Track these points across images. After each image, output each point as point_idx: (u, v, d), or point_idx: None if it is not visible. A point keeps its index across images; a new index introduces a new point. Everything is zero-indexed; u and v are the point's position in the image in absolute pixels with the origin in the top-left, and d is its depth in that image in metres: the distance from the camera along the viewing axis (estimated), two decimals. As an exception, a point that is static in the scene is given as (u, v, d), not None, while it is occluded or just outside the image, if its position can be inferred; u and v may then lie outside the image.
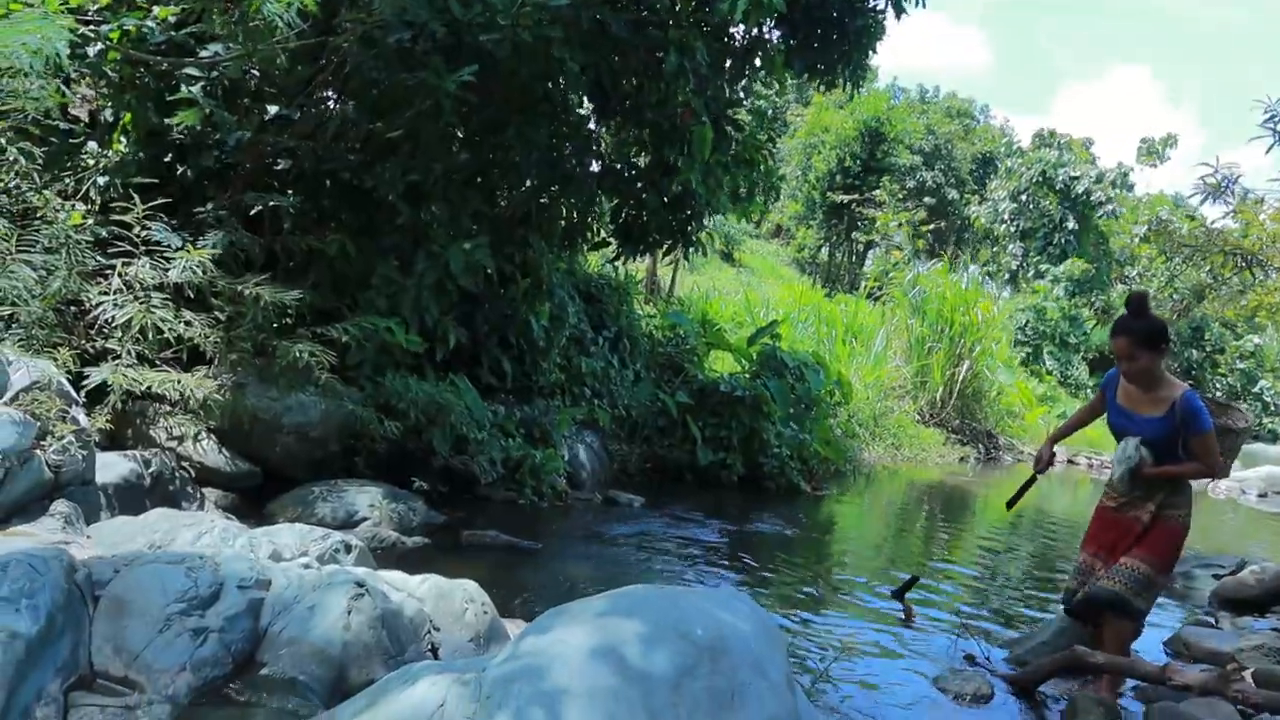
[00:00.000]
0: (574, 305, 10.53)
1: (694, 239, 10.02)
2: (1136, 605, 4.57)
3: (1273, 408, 36.55)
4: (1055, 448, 5.18)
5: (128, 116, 7.21)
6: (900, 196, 33.56)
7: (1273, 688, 4.57)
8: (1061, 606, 5.07)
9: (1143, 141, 38.02)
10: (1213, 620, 6.83)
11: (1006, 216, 34.61)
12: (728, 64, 9.31)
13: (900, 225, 29.72)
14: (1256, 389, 36.11)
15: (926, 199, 36.02)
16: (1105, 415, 4.78)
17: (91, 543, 4.38)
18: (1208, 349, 34.45)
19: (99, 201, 6.93)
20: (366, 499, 6.64)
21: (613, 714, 2.42)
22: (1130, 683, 5.06)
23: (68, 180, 6.96)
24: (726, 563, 7.21)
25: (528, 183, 9.05)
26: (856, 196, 33.82)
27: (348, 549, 5.23)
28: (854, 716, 4.39)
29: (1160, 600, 7.45)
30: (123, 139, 7.26)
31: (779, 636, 3.07)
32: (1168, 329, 4.41)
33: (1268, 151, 7.74)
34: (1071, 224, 33.45)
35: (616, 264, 11.35)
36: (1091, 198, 33.51)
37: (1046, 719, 4.62)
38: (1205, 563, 8.41)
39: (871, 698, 4.65)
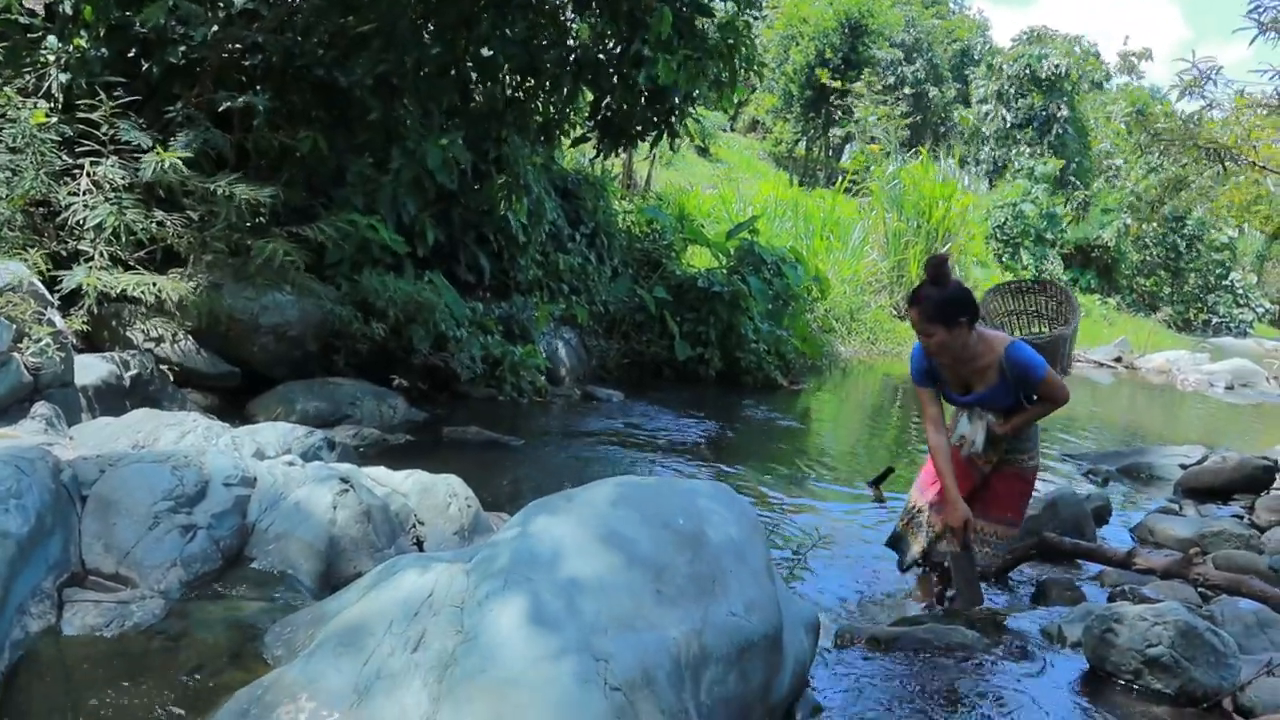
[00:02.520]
0: (551, 201, 10.45)
1: (676, 130, 9.90)
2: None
3: (1242, 300, 36.90)
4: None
5: (88, 10, 6.98)
6: (878, 89, 33.09)
7: (1232, 571, 4.74)
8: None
9: (1120, 55, 37.69)
10: (1178, 508, 7.01)
11: (1001, 115, 34.25)
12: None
13: (879, 119, 29.41)
14: (1228, 281, 36.41)
15: (905, 90, 35.58)
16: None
17: (74, 444, 4.40)
18: (1189, 237, 34.56)
19: (61, 99, 6.77)
20: (347, 397, 6.67)
21: (598, 599, 2.49)
22: (1093, 567, 5.22)
23: (28, 77, 6.78)
24: (706, 455, 7.32)
25: (502, 76, 8.87)
26: (839, 84, 33.31)
27: (330, 446, 5.28)
28: (831, 602, 4.53)
29: (1126, 489, 7.67)
30: (83, 34, 7.05)
31: (758, 525, 3.14)
32: (970, 298, 3.85)
33: (1251, 43, 7.65)
34: (1064, 111, 33.18)
35: (600, 159, 11.22)
36: (1075, 84, 33.21)
37: (1015, 602, 4.76)
38: (1171, 453, 8.60)
39: (848, 584, 4.79)
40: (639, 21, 8.59)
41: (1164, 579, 4.73)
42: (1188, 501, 7.27)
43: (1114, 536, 6.03)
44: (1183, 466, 8.08)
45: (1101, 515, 6.13)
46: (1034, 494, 4.65)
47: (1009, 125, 34.11)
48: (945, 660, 3.63)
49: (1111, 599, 4.72)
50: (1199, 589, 4.62)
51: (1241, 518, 6.75)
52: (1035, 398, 4.04)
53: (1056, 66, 33.03)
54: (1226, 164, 8.51)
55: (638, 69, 8.84)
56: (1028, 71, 33.48)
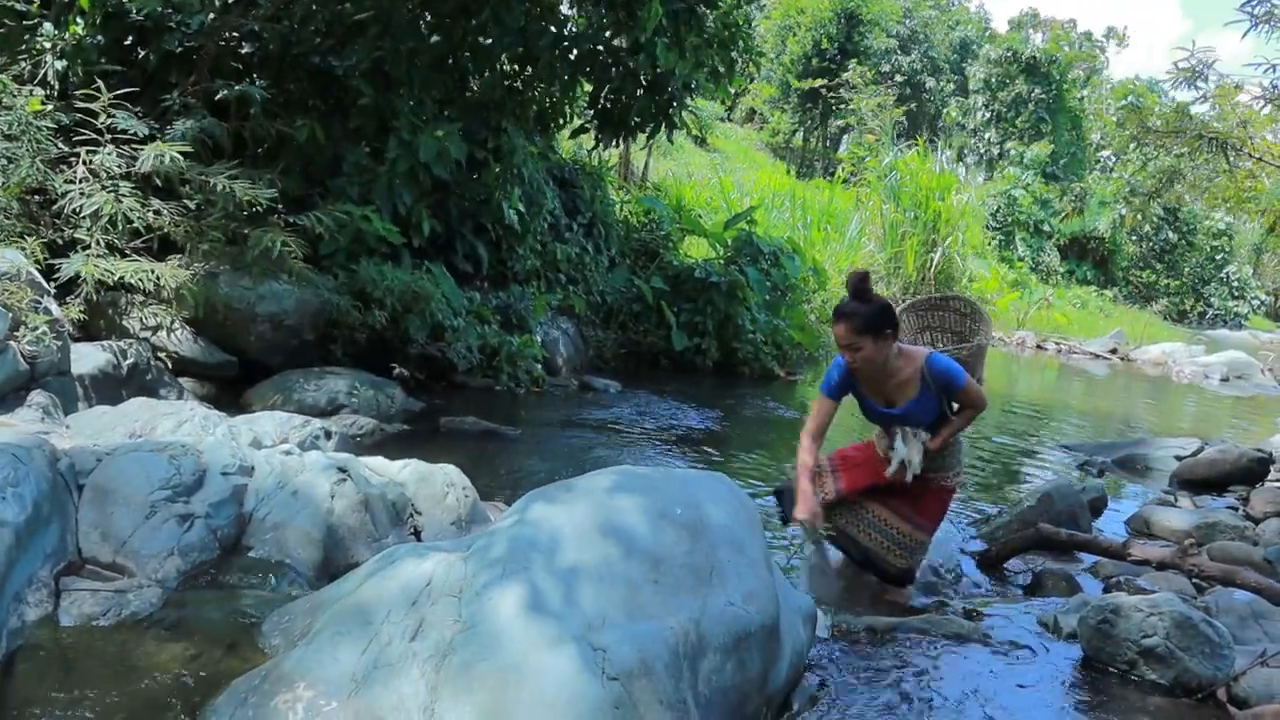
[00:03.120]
0: (549, 191, 10.44)
1: (675, 121, 9.89)
2: (917, 569, 4.44)
3: (1238, 291, 36.95)
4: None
5: (83, -3, 6.97)
6: (873, 79, 33.07)
7: (1227, 563, 4.75)
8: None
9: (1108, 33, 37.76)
10: (1173, 499, 7.03)
11: (981, 106, 34.27)
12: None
13: (875, 110, 29.39)
14: (1224, 273, 36.45)
15: (898, 78, 35.58)
16: (860, 408, 4.24)
17: (71, 432, 4.39)
18: (1182, 230, 34.60)
19: (57, 87, 6.74)
20: (345, 386, 6.66)
21: (595, 589, 2.50)
22: (1089, 559, 5.24)
23: (23, 64, 6.75)
24: (703, 446, 7.32)
25: (499, 66, 8.85)
26: (827, 82, 33.28)
27: (328, 435, 5.28)
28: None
29: (1123, 481, 7.68)
30: (79, 21, 7.02)
31: (756, 516, 3.15)
32: (892, 311, 3.89)
33: (1244, 36, 7.64)
34: (1038, 93, 33.17)
35: (598, 150, 11.21)
36: (1059, 66, 33.22)
37: (1011, 593, 4.78)
38: (1167, 445, 8.61)
39: (844, 574, 4.79)
40: (635, 9, 8.57)
41: (1159, 570, 4.75)
42: (1183, 493, 7.28)
43: (1109, 528, 6.05)
44: (1178, 458, 8.10)
45: (1097, 506, 6.15)
46: (1033, 483, 4.66)
47: (993, 115, 34.09)
48: (941, 650, 3.64)
49: (1107, 590, 4.74)
50: (1194, 580, 4.64)
51: (1236, 509, 6.77)
52: (957, 408, 4.07)
53: (1039, 51, 33.02)
54: (1229, 154, 8.49)
55: (638, 54, 8.82)
56: (1010, 55, 33.46)
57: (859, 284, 3.83)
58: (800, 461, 4.06)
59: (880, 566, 4.35)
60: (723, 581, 2.71)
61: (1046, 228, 30.02)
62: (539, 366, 8.70)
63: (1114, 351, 20.07)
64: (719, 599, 2.65)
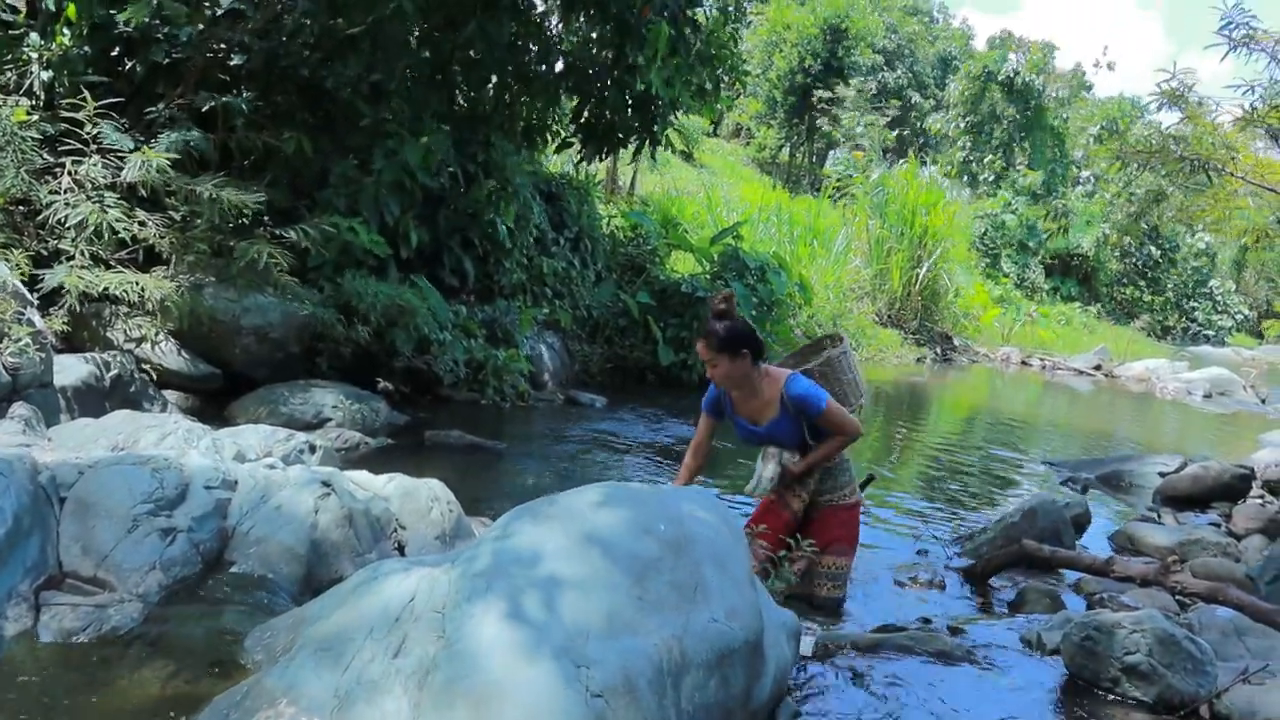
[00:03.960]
0: (536, 205, 10.45)
1: (659, 137, 9.92)
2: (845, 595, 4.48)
3: (1221, 306, 37.19)
4: None
5: (71, 8, 6.94)
6: (860, 89, 33.23)
7: (1209, 579, 4.77)
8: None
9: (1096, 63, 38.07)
10: (1156, 516, 7.06)
11: (959, 118, 34.49)
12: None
13: (869, 125, 29.53)
14: (1206, 289, 36.69)
15: (893, 103, 35.78)
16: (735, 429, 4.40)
17: (53, 445, 4.36)
18: (1164, 247, 34.84)
19: (43, 97, 6.73)
20: (330, 400, 6.64)
21: (579, 605, 2.49)
22: (1072, 575, 5.25)
23: (9, 74, 6.73)
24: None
25: (489, 81, 8.87)
26: (820, 90, 33.44)
27: (312, 450, 5.25)
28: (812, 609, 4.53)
29: (1106, 497, 7.71)
30: (66, 31, 7.01)
31: (740, 533, 3.15)
32: (751, 333, 4.08)
33: (1223, 59, 7.73)
34: (1012, 112, 33.40)
35: (585, 164, 11.23)
36: (1034, 89, 33.45)
37: (995, 609, 4.79)
38: (1150, 461, 8.65)
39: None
40: (630, 30, 8.61)
41: (1142, 587, 4.76)
42: (1166, 509, 7.32)
43: (1093, 544, 6.07)
44: (1161, 475, 8.14)
45: (1080, 523, 6.17)
46: (1017, 499, 4.65)
47: (966, 127, 34.31)
48: (925, 667, 3.64)
49: (1090, 607, 4.75)
50: (1177, 597, 4.66)
51: (1219, 526, 6.81)
52: (824, 433, 4.15)
53: (1015, 72, 33.25)
54: (1211, 175, 8.57)
55: (631, 76, 8.87)
56: (985, 73, 33.70)
57: (721, 306, 4.06)
58: (684, 466, 4.49)
59: (812, 599, 4.37)
60: (706, 598, 2.70)
61: (1032, 244, 30.18)
62: (525, 380, 8.69)
63: (1098, 368, 20.17)
64: (702, 615, 2.65)
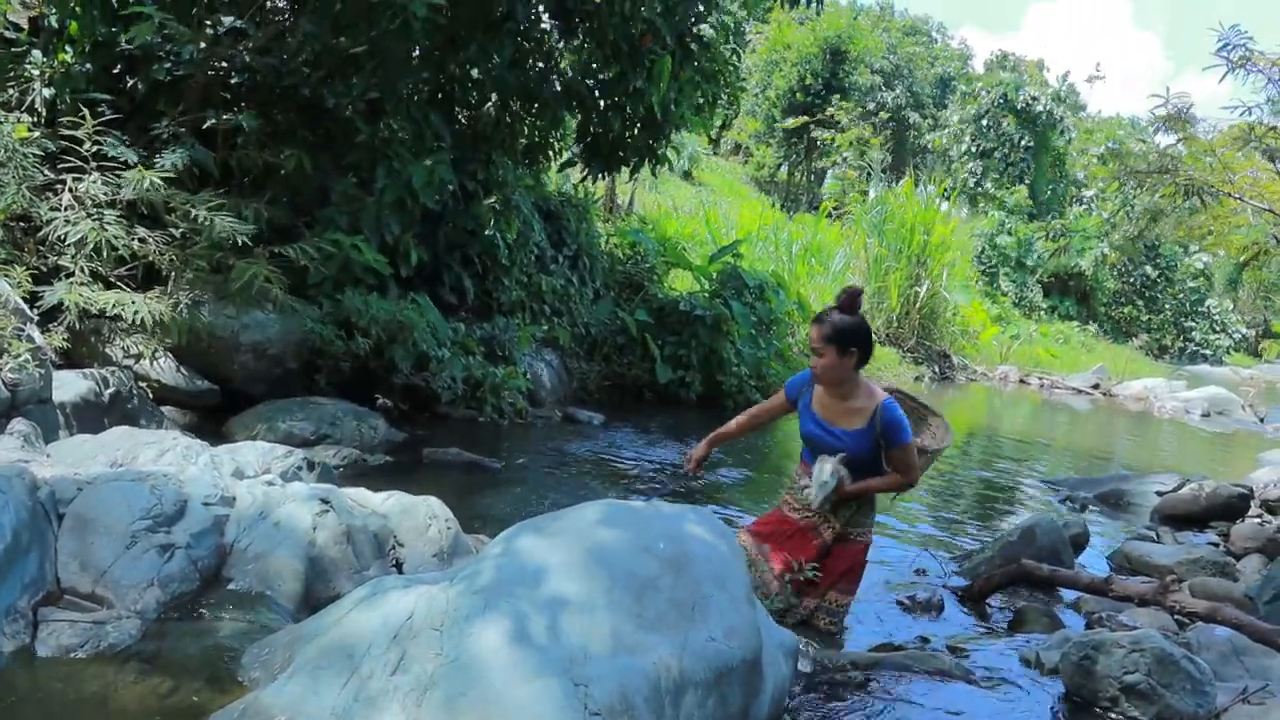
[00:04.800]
0: (536, 223, 10.47)
1: (660, 155, 9.97)
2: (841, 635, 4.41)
3: (1218, 325, 37.24)
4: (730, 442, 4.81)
5: (73, 25, 6.98)
6: (858, 115, 33.38)
7: (1208, 599, 4.77)
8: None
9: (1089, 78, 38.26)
10: (1154, 535, 7.06)
11: (967, 138, 34.55)
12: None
13: (854, 143, 29.63)
14: (1204, 308, 36.74)
15: (883, 114, 35.92)
16: (799, 422, 4.32)
17: (51, 461, 4.36)
18: (1161, 266, 34.92)
19: (45, 114, 6.75)
20: (328, 417, 6.64)
21: (578, 623, 2.49)
22: (1071, 594, 5.25)
23: (11, 91, 6.76)
24: (687, 479, 7.31)
25: (490, 99, 8.92)
26: (808, 119, 33.58)
27: (310, 466, 5.24)
28: (810, 628, 4.52)
29: (1105, 517, 7.71)
30: (68, 49, 7.04)
31: (739, 551, 3.15)
32: (867, 334, 4.02)
33: (1221, 80, 7.80)
34: (1027, 141, 33.51)
35: (584, 182, 11.27)
36: (1051, 116, 33.57)
37: (994, 629, 4.78)
38: (1148, 480, 8.66)
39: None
40: (626, 56, 8.66)
41: (1141, 606, 4.76)
42: (1164, 529, 7.31)
43: (1091, 563, 6.07)
44: (1160, 494, 8.14)
45: (1079, 542, 6.16)
46: (1016, 518, 4.65)
47: (973, 151, 34.38)
48: (924, 686, 3.64)
49: (1089, 626, 4.75)
50: (1176, 616, 4.65)
51: (1217, 545, 6.81)
52: (889, 467, 4.10)
53: (1034, 98, 33.36)
54: (1205, 199, 8.63)
55: (633, 99, 8.93)
56: (1003, 99, 33.79)
57: (851, 299, 3.98)
58: (747, 412, 4.54)
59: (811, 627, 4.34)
60: (705, 616, 2.70)
61: (1030, 263, 30.24)
62: (523, 398, 8.69)
63: (1096, 387, 20.19)
64: (701, 634, 2.65)
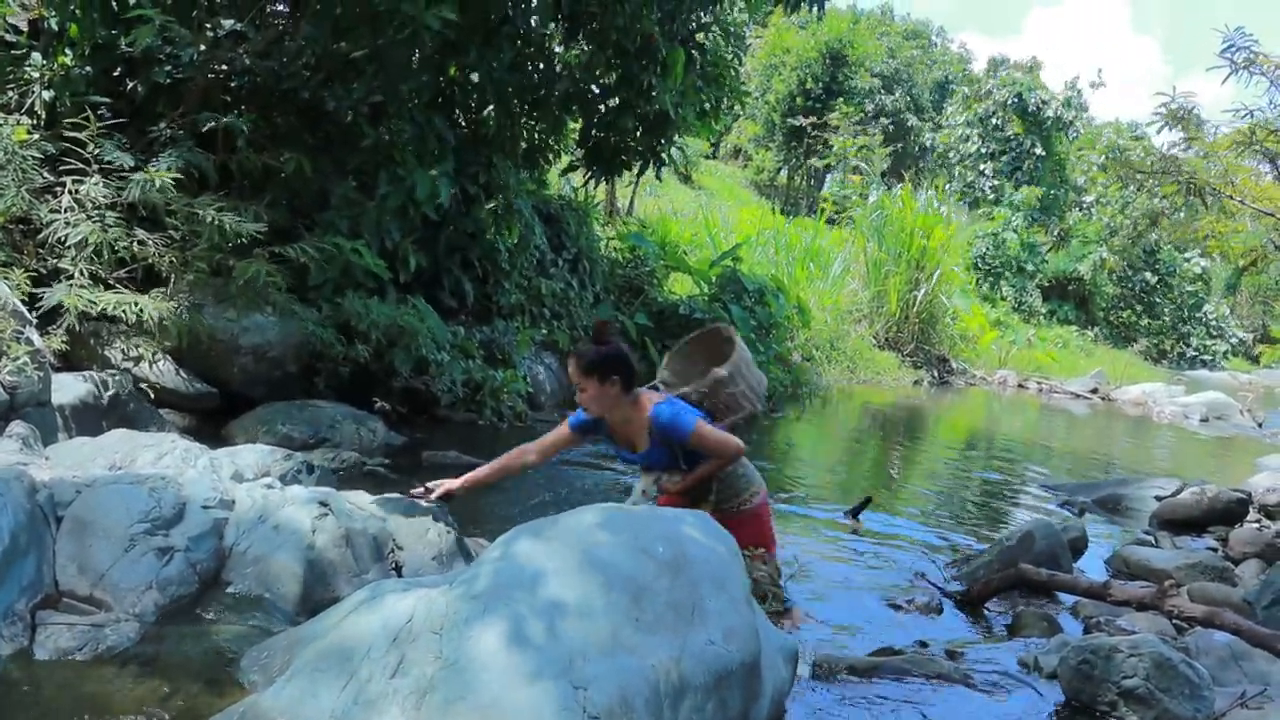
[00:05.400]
0: (537, 226, 10.48)
1: (663, 158, 9.99)
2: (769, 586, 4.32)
3: (1216, 330, 37.27)
4: None
5: (73, 28, 6.98)
6: (858, 120, 33.41)
7: (1206, 604, 4.77)
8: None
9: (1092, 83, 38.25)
10: (1153, 539, 7.05)
11: (975, 138, 34.52)
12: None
13: (859, 150, 29.65)
14: (1201, 313, 36.78)
15: (884, 120, 35.94)
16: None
17: (50, 464, 4.36)
18: (1160, 272, 34.96)
19: (44, 117, 6.75)
20: (327, 420, 6.64)
21: (577, 626, 2.49)
22: (1069, 599, 5.25)
23: (10, 93, 6.76)
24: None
25: (490, 104, 8.93)
26: (813, 120, 33.63)
27: (309, 469, 5.24)
28: (810, 631, 4.52)
29: (1102, 521, 7.71)
30: (68, 51, 7.04)
31: (738, 554, 3.15)
32: (625, 358, 3.94)
33: (1223, 82, 7.80)
34: (1039, 149, 33.50)
35: (586, 186, 11.28)
36: (1060, 121, 33.59)
37: (992, 633, 4.78)
38: (1147, 485, 8.65)
39: (826, 612, 4.78)
40: (630, 55, 8.67)
41: (1139, 611, 4.76)
42: (1163, 533, 7.31)
43: (1090, 568, 6.06)
44: (1158, 498, 8.13)
45: (1077, 546, 6.16)
46: (1014, 522, 4.62)
47: (984, 153, 34.37)
48: (923, 690, 3.64)
49: (1087, 630, 4.74)
50: (1174, 621, 4.65)
51: (1216, 550, 6.80)
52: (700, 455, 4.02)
53: (1045, 102, 33.35)
54: (1206, 199, 8.64)
55: (641, 98, 8.94)
56: (1017, 99, 33.74)
57: (601, 330, 3.97)
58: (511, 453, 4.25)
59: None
60: (704, 619, 2.70)
61: (1030, 267, 30.25)
62: (522, 401, 8.69)
63: (1095, 391, 20.19)
64: (700, 637, 2.65)
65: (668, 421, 3.89)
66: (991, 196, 33.30)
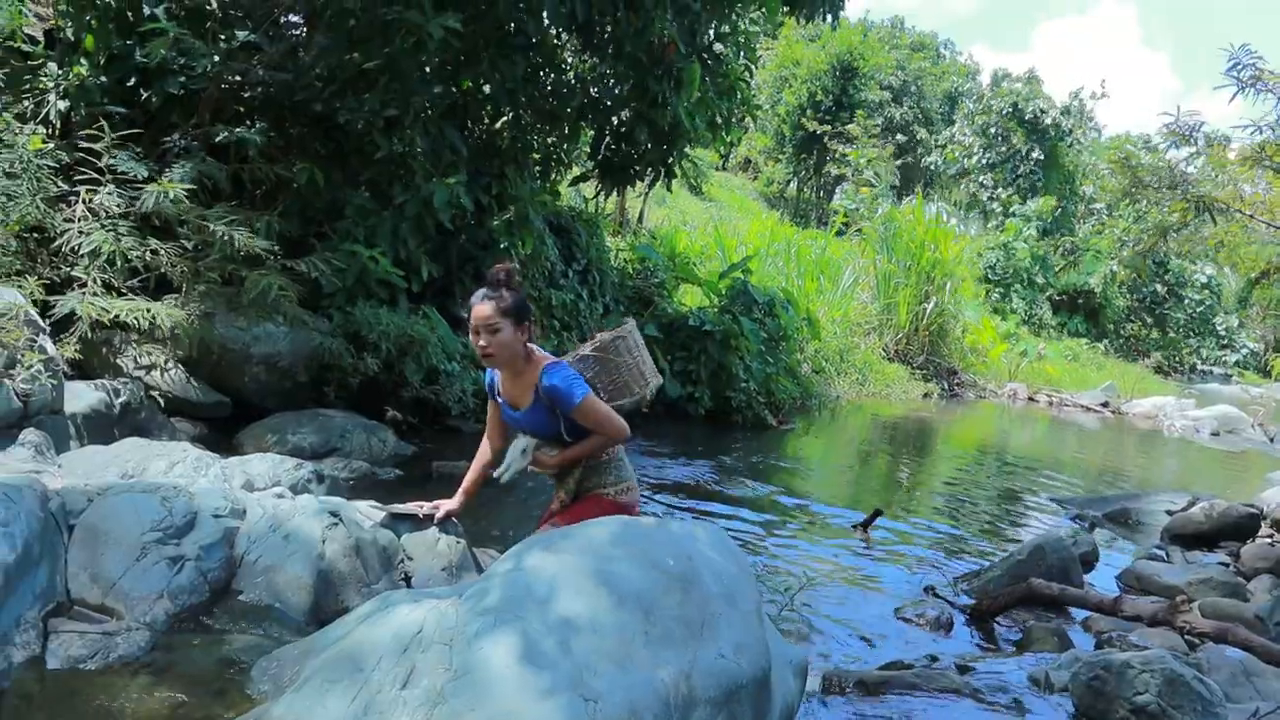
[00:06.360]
0: (549, 237, 10.50)
1: (674, 170, 10.01)
2: None
3: (1225, 342, 37.10)
4: None
5: (89, 39, 7.03)
6: (872, 133, 33.43)
7: (1218, 619, 4.75)
8: None
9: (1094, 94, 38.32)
10: (1164, 554, 7.02)
11: (976, 150, 34.57)
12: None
13: (870, 161, 29.64)
14: (1212, 326, 36.60)
15: (897, 136, 35.98)
16: None
17: (62, 472, 4.38)
18: (1170, 282, 34.83)
19: (59, 126, 6.80)
20: (337, 429, 6.65)
21: (587, 639, 2.49)
22: (1080, 613, 5.23)
23: (26, 103, 6.81)
24: (694, 495, 7.31)
25: (503, 115, 8.96)
26: (829, 129, 33.68)
27: (320, 479, 5.27)
28: (819, 646, 4.52)
29: (1113, 535, 7.68)
30: (83, 62, 7.09)
31: (748, 568, 3.14)
32: (529, 304, 3.67)
33: (1231, 100, 7.81)
34: (1037, 154, 33.52)
35: (597, 197, 11.30)
36: (1059, 130, 33.59)
37: (1002, 647, 4.76)
38: (1158, 499, 8.62)
39: (836, 627, 4.78)
40: (646, 66, 8.69)
41: (1151, 626, 4.74)
42: (1174, 548, 7.28)
43: (1101, 582, 6.04)
44: (1169, 513, 8.10)
45: (1088, 561, 6.14)
46: (1025, 536, 4.61)
47: (985, 163, 34.40)
48: (933, 704, 3.62)
49: (1098, 646, 4.73)
50: (1185, 637, 4.63)
51: (1228, 565, 6.77)
52: (583, 430, 3.70)
53: (1043, 111, 33.38)
54: (1215, 215, 8.64)
55: (655, 109, 8.97)
56: (1013, 109, 33.80)
57: (504, 274, 3.58)
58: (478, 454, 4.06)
59: None
60: (714, 633, 2.70)
61: (1040, 280, 30.18)
62: (532, 411, 8.68)
63: (1105, 405, 20.11)
64: (710, 651, 2.64)
65: (558, 382, 3.56)
66: (998, 208, 33.29)
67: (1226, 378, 35.37)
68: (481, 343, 3.53)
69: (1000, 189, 33.86)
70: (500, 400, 3.82)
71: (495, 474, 3.81)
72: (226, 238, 6.25)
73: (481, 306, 3.51)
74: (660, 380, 4.12)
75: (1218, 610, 5.08)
